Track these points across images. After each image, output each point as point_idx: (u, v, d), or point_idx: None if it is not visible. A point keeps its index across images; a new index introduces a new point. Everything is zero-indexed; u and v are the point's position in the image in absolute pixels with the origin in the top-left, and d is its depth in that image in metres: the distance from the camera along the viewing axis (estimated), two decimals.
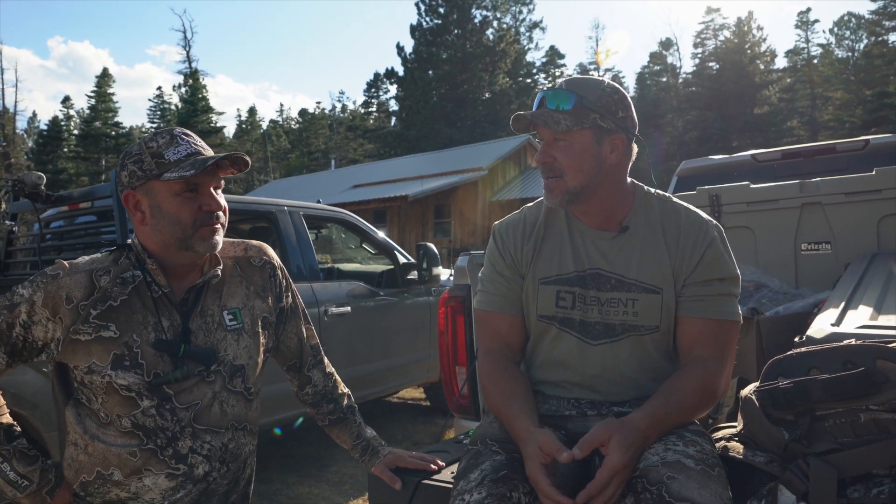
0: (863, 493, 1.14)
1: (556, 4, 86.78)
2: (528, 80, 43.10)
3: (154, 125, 47.50)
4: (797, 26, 42.67)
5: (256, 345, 1.45)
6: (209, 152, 1.35)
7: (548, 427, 1.36)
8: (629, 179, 1.51)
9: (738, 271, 1.44)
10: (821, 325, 1.67)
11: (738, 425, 1.40)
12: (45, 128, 45.87)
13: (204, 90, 43.55)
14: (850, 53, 41.97)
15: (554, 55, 45.96)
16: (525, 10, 43.44)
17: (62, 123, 46.36)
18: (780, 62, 41.65)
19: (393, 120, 48.29)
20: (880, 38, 35.81)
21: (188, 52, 46.98)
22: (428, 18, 41.33)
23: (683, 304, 1.42)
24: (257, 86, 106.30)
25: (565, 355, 1.47)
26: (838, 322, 1.70)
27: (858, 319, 1.70)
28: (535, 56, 49.41)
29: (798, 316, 2.04)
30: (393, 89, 46.97)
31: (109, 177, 3.32)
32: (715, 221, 1.48)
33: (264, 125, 57.05)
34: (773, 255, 2.72)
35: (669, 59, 43.89)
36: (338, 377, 1.69)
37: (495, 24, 41.95)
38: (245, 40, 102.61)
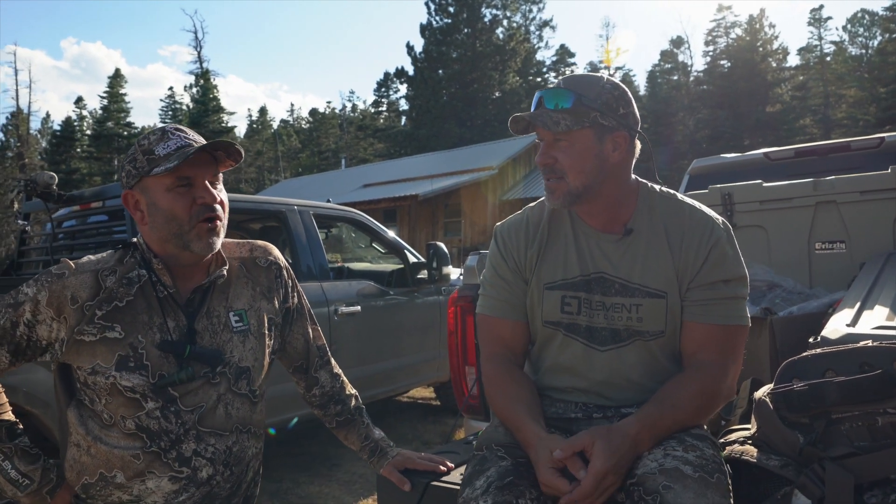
0: (880, 498, 1.12)
1: (566, 3, 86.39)
2: (539, 79, 42.98)
3: (165, 125, 47.67)
4: (810, 23, 42.44)
5: (262, 347, 1.43)
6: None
7: (555, 430, 1.35)
8: (633, 177, 1.47)
9: (746, 271, 1.40)
10: (836, 326, 1.64)
11: (752, 428, 1.38)
12: (59, 128, 46.22)
13: (215, 90, 43.70)
14: (863, 51, 41.54)
15: (564, 54, 45.82)
16: (535, 8, 43.37)
17: (75, 124, 46.68)
18: (793, 60, 41.33)
19: (403, 119, 48.33)
20: (894, 35, 35.42)
21: (199, 53, 47.04)
22: (438, 17, 41.33)
23: (688, 309, 1.39)
24: (268, 86, 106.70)
25: (572, 361, 1.44)
26: (854, 323, 1.67)
27: (874, 320, 1.67)
28: (546, 55, 49.16)
29: (812, 316, 2.01)
30: (403, 88, 47.08)
31: None
32: (722, 219, 1.43)
33: (275, 125, 57.21)
34: (786, 254, 2.69)
35: (680, 58, 43.59)
36: (345, 378, 1.67)
37: (505, 22, 41.88)
38: (256, 40, 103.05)
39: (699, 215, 1.43)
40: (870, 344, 1.25)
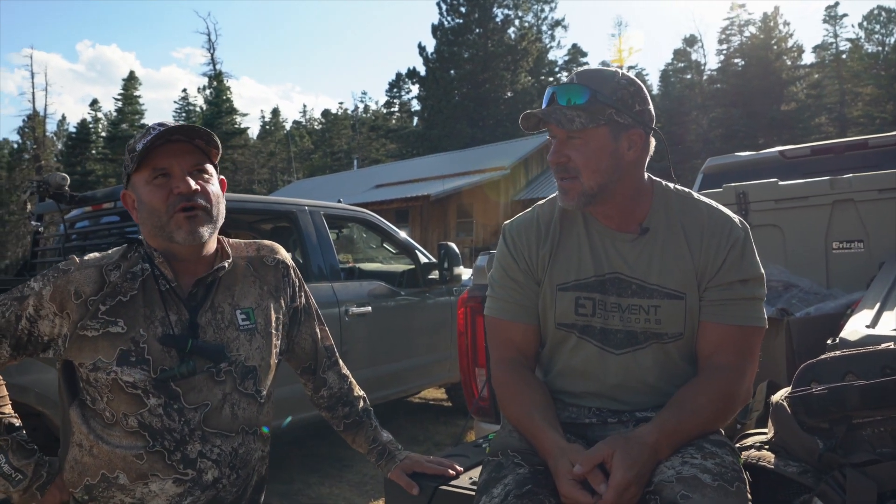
0: None
1: (578, 2, 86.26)
2: (551, 79, 42.85)
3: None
4: (825, 21, 41.92)
5: (269, 346, 1.42)
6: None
7: (571, 436, 1.31)
8: (647, 175, 1.42)
9: (763, 271, 1.36)
10: (855, 327, 1.60)
11: (769, 432, 1.34)
12: (74, 130, 46.71)
13: (228, 92, 44.00)
14: (880, 48, 41.05)
15: (576, 53, 45.72)
16: (547, 8, 43.33)
17: (90, 126, 47.16)
18: (808, 58, 40.96)
19: (415, 120, 48.38)
20: None
21: (212, 55, 47.23)
22: (449, 18, 41.33)
23: (705, 309, 1.35)
24: (280, 87, 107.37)
25: (585, 364, 1.40)
26: (874, 324, 1.63)
27: (895, 321, 1.63)
28: (558, 54, 49.12)
29: (830, 317, 1.97)
30: (415, 89, 47.08)
31: None
32: (740, 219, 1.39)
33: (288, 126, 57.53)
34: (803, 253, 2.64)
35: (694, 56, 43.26)
36: (353, 379, 1.65)
37: (517, 22, 41.84)
38: (268, 42, 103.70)
39: (718, 214, 1.39)
40: (892, 346, 1.21)
